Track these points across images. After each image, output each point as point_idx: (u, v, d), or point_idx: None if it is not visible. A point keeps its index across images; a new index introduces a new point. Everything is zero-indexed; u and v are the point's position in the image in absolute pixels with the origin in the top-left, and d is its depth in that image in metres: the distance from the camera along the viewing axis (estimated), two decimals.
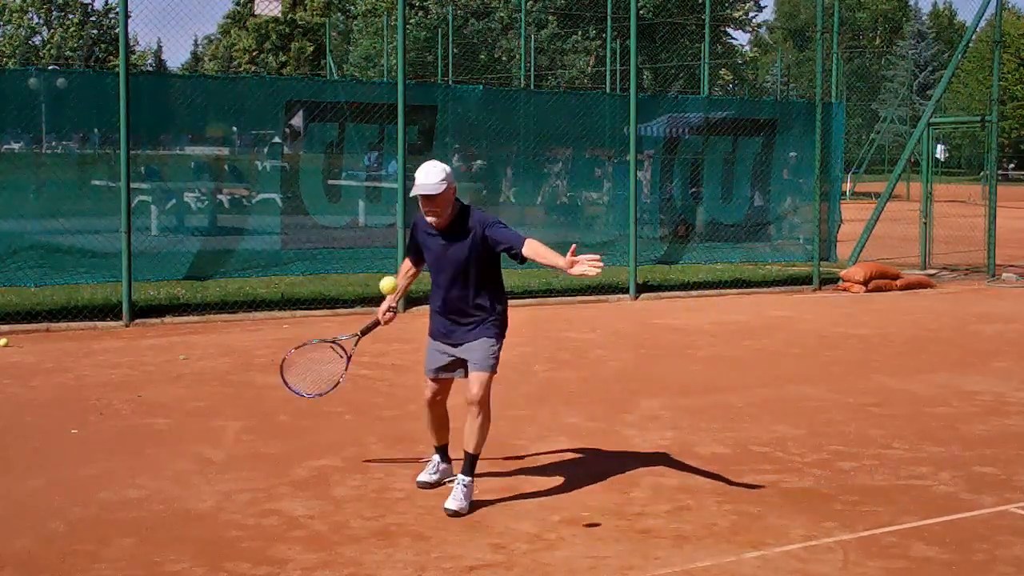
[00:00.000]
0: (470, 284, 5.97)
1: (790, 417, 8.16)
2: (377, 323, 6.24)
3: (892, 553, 5.37)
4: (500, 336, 6.07)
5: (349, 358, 6.32)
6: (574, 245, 5.68)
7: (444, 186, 5.81)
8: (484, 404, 5.94)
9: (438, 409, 6.27)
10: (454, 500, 5.87)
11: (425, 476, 6.35)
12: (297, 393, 6.33)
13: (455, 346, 6.04)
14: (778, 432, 7.70)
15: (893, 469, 6.83)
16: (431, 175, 5.83)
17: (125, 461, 6.79)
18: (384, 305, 6.19)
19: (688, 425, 7.87)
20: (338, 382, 6.33)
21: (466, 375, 6.05)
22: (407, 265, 6.35)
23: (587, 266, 5.49)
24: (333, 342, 6.38)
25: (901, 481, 6.58)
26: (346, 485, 6.35)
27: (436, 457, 6.40)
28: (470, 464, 5.96)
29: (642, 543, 5.45)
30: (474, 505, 5.95)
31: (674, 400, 8.68)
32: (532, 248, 5.78)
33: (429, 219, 5.93)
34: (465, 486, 5.91)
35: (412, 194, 5.88)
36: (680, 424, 7.91)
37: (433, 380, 6.18)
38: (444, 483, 6.28)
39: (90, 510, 5.88)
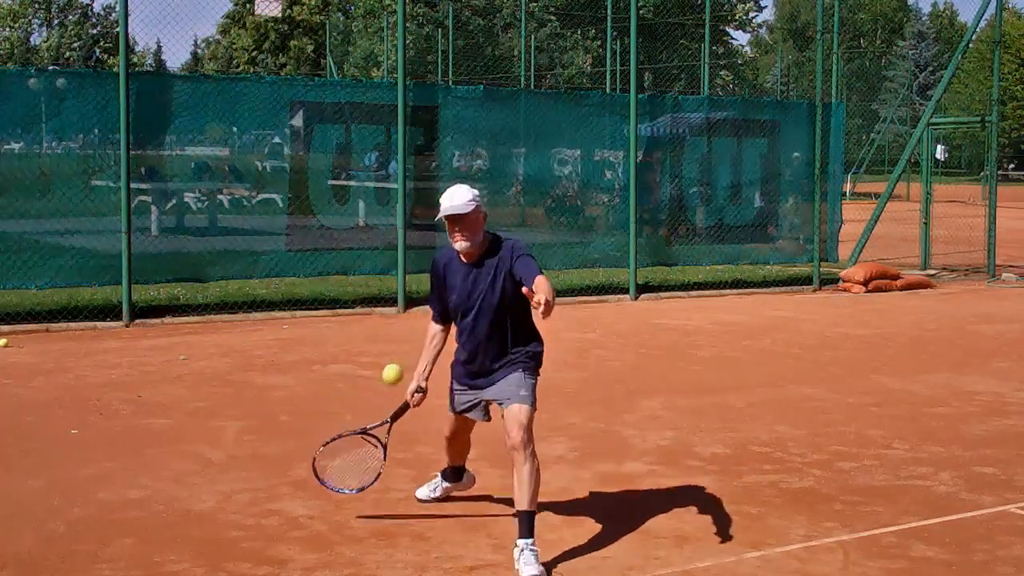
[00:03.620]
0: (504, 322, 5.37)
1: (790, 417, 8.16)
2: (407, 407, 5.69)
3: (892, 553, 5.37)
4: (534, 370, 5.43)
5: (385, 446, 5.74)
6: (524, 289, 5.08)
7: (473, 205, 5.28)
8: (528, 446, 5.16)
9: (459, 441, 5.81)
10: (529, 567, 4.96)
11: (425, 492, 6.04)
12: (338, 491, 5.73)
13: (481, 389, 5.48)
14: (778, 432, 7.70)
15: (893, 469, 6.83)
16: (457, 195, 5.32)
17: (125, 461, 6.79)
18: (412, 385, 5.61)
19: (688, 425, 7.87)
20: (379, 472, 5.72)
21: (487, 418, 5.59)
22: (434, 329, 5.63)
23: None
24: (363, 432, 5.78)
25: (901, 481, 6.59)
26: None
27: (439, 476, 6.03)
28: (529, 525, 5.09)
29: (642, 543, 5.44)
30: (475, 506, 5.95)
31: (674, 400, 8.68)
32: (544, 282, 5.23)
33: (459, 245, 5.34)
34: (532, 549, 5.03)
35: (438, 218, 5.36)
36: (680, 424, 7.91)
37: (456, 416, 5.67)
38: (442, 500, 6.00)
39: (90, 510, 5.88)
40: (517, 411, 5.24)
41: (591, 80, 40.76)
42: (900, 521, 5.82)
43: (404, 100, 13.45)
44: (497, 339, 5.39)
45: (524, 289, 5.03)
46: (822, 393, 9.07)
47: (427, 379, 5.62)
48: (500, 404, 5.37)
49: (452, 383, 5.65)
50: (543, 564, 5.02)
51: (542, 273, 5.22)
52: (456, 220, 5.32)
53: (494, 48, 39.96)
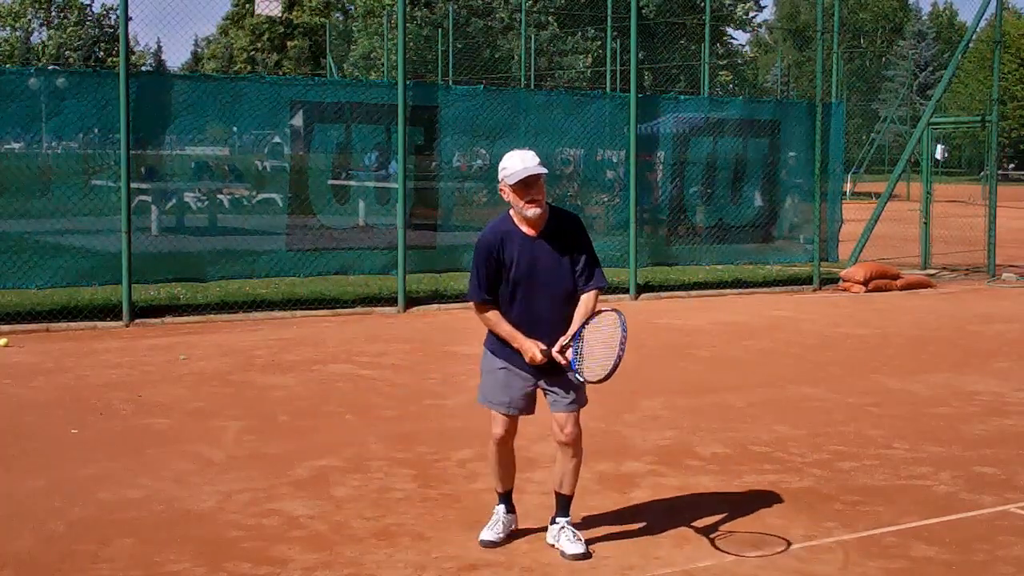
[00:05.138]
0: (565, 292, 5.16)
1: (790, 417, 8.16)
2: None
3: (892, 553, 5.37)
4: None
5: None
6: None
7: (544, 167, 5.03)
8: (580, 441, 5.34)
9: (509, 446, 5.37)
10: (574, 544, 5.24)
11: (491, 535, 5.39)
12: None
13: (543, 373, 5.19)
14: (778, 432, 7.70)
15: (893, 469, 6.83)
16: (528, 156, 5.03)
17: (125, 461, 6.79)
18: (536, 354, 5.10)
19: (688, 425, 7.87)
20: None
21: (530, 411, 5.35)
22: (492, 310, 5.17)
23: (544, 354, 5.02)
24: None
25: (901, 481, 6.59)
26: (346, 485, 6.35)
27: (500, 508, 5.46)
28: (568, 505, 5.38)
29: (642, 543, 5.45)
30: (475, 505, 5.95)
31: (674, 400, 8.68)
32: (587, 302, 5.15)
33: (532, 212, 5.04)
34: (573, 530, 5.32)
35: (513, 180, 4.99)
36: (680, 424, 7.91)
37: (508, 416, 5.27)
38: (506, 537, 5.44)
39: (90, 510, 5.88)
40: (575, 412, 5.28)
41: (591, 80, 40.75)
42: (900, 521, 5.83)
43: (404, 100, 13.46)
44: (558, 315, 5.13)
45: (563, 360, 5.04)
46: (822, 393, 9.07)
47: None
48: (559, 397, 5.23)
49: (495, 367, 5.25)
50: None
51: (599, 284, 5.20)
52: (532, 183, 5.01)
53: (493, 51, 39.96)
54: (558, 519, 5.35)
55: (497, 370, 5.27)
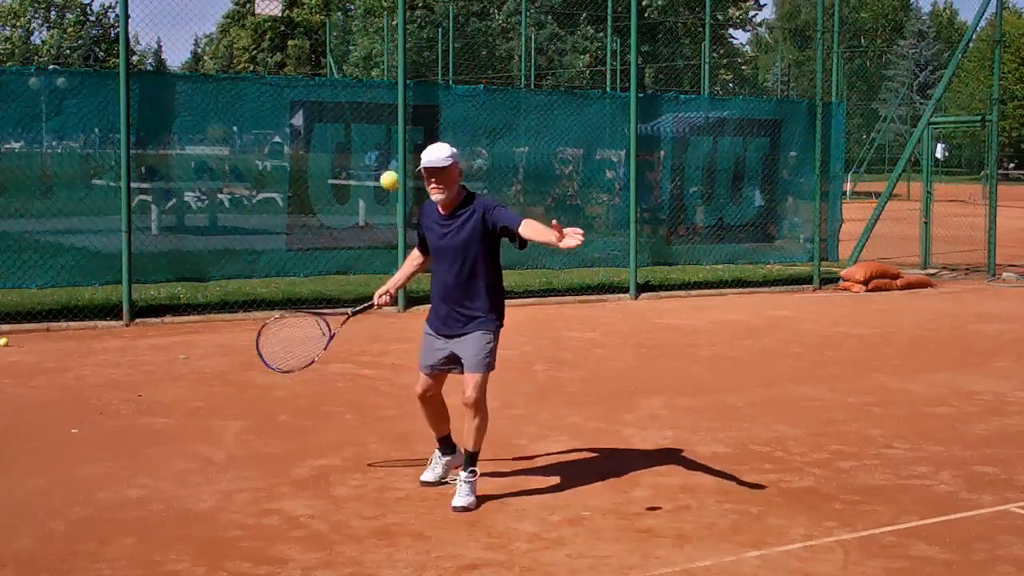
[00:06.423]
0: (470, 270, 5.97)
1: (790, 417, 8.16)
2: (371, 305, 6.27)
3: (892, 553, 5.38)
4: (496, 331, 6.06)
5: (331, 337, 6.39)
6: (555, 221, 5.53)
7: (450, 161, 5.86)
8: (480, 405, 5.94)
9: (432, 402, 6.25)
10: (460, 497, 5.92)
11: (428, 475, 6.34)
12: (268, 366, 6.39)
13: (450, 338, 6.02)
14: (778, 432, 7.71)
15: (893, 469, 6.83)
16: (436, 151, 5.89)
17: (125, 461, 6.79)
18: (381, 289, 6.21)
19: (688, 425, 7.88)
20: (313, 360, 6.42)
21: (462, 371, 6.02)
22: (415, 253, 6.37)
23: (571, 238, 5.44)
24: (318, 314, 6.49)
25: (901, 481, 6.59)
26: (346, 485, 6.35)
27: (436, 452, 6.38)
28: (470, 460, 6.00)
29: (642, 543, 5.45)
30: (479, 500, 5.96)
31: (674, 400, 8.69)
32: (529, 227, 5.78)
33: (435, 197, 5.94)
34: (467, 482, 5.95)
35: (418, 168, 5.96)
36: (680, 424, 7.91)
37: (427, 375, 6.17)
38: (448, 480, 6.26)
39: (90, 510, 5.88)
40: (475, 375, 5.94)
41: (591, 79, 40.73)
42: (900, 521, 5.83)
43: (404, 99, 13.46)
44: (463, 285, 5.97)
45: (554, 222, 5.48)
46: (822, 393, 9.07)
47: (396, 289, 6.30)
48: (463, 362, 5.98)
49: (423, 333, 6.17)
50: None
51: (523, 218, 5.87)
52: (433, 173, 5.89)
53: (492, 51, 39.94)
54: (461, 472, 6.00)
55: (423, 335, 6.19)
